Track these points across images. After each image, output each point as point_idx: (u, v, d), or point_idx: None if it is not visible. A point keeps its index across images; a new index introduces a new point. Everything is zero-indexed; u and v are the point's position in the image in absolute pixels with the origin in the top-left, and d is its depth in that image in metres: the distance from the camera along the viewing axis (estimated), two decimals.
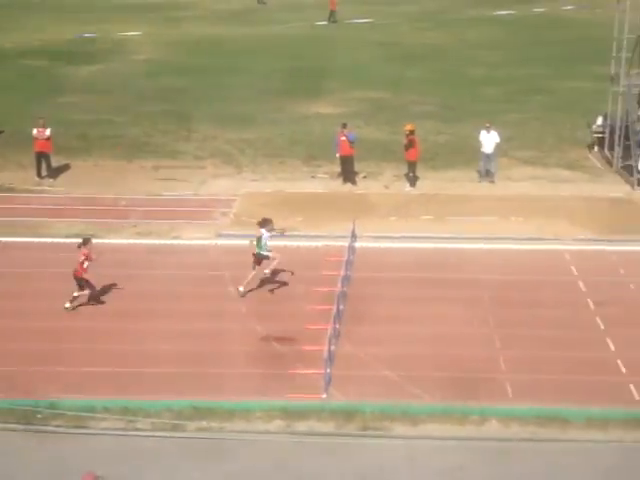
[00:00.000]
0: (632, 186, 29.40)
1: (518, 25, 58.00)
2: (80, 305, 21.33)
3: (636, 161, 29.34)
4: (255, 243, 22.04)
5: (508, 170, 31.11)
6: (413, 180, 29.75)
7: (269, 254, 22.01)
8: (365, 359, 19.09)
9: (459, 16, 61.30)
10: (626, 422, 16.84)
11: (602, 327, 20.49)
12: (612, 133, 31.71)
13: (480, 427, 16.86)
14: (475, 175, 30.52)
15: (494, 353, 19.41)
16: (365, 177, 30.65)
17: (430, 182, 30.07)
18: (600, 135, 33.15)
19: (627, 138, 30.63)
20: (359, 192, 29.39)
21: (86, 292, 21.27)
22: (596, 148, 33.23)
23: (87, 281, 21.17)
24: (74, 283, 21.13)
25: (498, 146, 30.30)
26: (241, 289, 22.00)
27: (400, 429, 16.88)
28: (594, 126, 33.51)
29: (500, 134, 30.57)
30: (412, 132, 29.46)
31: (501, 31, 56.02)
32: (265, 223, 22.17)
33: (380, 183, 30.21)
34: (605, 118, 32.87)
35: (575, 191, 29.13)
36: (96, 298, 21.52)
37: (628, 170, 30.25)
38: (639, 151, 29.46)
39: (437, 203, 28.23)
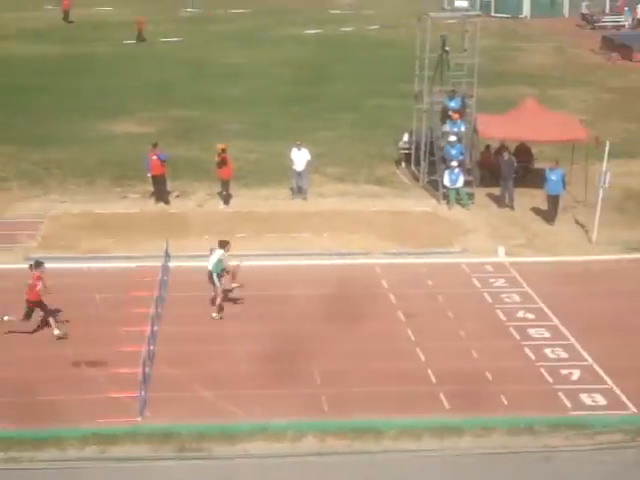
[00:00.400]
0: (438, 200, 30.33)
1: (326, 43, 59.04)
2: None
3: (441, 176, 30.29)
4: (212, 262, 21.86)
5: (319, 187, 31.55)
6: (227, 198, 29.72)
7: (218, 284, 21.84)
8: (181, 380, 18.87)
9: (270, 35, 61.79)
10: (437, 431, 17.29)
11: (413, 338, 21.02)
12: (417, 149, 32.65)
13: (297, 443, 16.96)
14: (288, 192, 30.79)
15: (311, 368, 19.56)
16: (178, 196, 30.39)
17: (243, 200, 30.12)
18: (406, 151, 34.06)
19: (432, 154, 31.58)
20: (172, 211, 29.11)
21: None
22: (403, 164, 34.13)
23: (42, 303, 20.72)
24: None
25: (309, 163, 30.67)
26: (214, 315, 21.84)
27: (218, 449, 16.77)
28: (400, 143, 34.41)
29: (311, 151, 30.94)
30: (224, 150, 29.46)
31: (310, 50, 56.88)
32: (223, 244, 22.12)
33: (193, 202, 30.02)
34: (411, 135, 33.81)
35: (384, 206, 29.82)
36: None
37: (434, 185, 31.20)
38: (443, 166, 30.44)
39: (251, 220, 28.29)
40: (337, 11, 73.86)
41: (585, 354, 20.21)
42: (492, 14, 71.85)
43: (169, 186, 30.26)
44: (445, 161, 30.46)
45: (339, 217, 28.63)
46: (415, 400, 18.28)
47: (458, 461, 16.60)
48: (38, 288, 20.62)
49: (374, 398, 18.30)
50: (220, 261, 22.01)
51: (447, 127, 31.61)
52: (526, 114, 31.17)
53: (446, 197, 30.06)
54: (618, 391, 18.64)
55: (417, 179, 32.49)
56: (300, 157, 30.40)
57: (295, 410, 17.81)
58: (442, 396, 18.45)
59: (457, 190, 29.89)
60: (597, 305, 22.58)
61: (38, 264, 21.06)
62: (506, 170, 29.79)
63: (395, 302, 22.91)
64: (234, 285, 22.31)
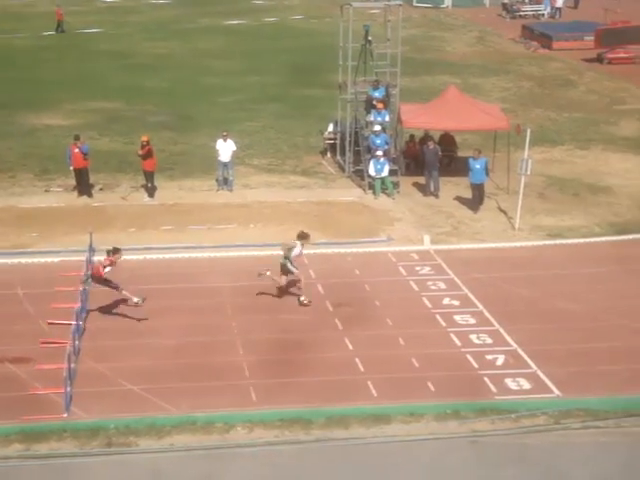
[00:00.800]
0: (364, 190, 30.48)
1: (250, 34, 58.91)
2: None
3: (366, 166, 30.44)
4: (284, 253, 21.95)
5: (245, 178, 31.46)
6: (151, 190, 29.47)
7: (294, 270, 21.93)
8: (108, 375, 18.69)
9: (191, 26, 61.47)
10: (365, 419, 17.40)
11: (340, 327, 21.11)
12: (343, 139, 32.79)
13: (225, 434, 16.93)
14: (213, 184, 30.63)
15: (238, 359, 19.54)
16: (102, 189, 30.05)
17: (169, 192, 29.90)
18: (332, 141, 34.20)
19: (357, 144, 31.75)
20: (96, 205, 28.77)
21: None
22: (329, 154, 34.25)
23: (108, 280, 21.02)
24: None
25: (235, 154, 30.57)
26: (302, 299, 22.12)
27: (146, 443, 16.65)
28: (326, 133, 34.53)
29: (236, 142, 30.85)
30: (148, 142, 29.20)
31: (233, 40, 56.67)
32: (303, 236, 22.27)
33: (117, 195, 29.70)
34: (336, 125, 33.94)
35: (311, 197, 29.86)
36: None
37: (359, 174, 31.36)
38: (368, 156, 30.59)
39: (176, 213, 28.12)
40: (260, 1, 73.70)
41: (509, 339, 20.50)
42: (414, 4, 72.37)
43: (92, 179, 29.90)
44: (370, 151, 30.63)
45: (266, 208, 28.60)
46: (343, 389, 18.36)
47: (386, 448, 16.72)
48: (105, 269, 20.88)
49: (303, 388, 18.34)
50: (290, 250, 22.07)
51: (372, 117, 31.79)
52: (449, 103, 31.47)
53: (372, 187, 30.22)
54: (542, 375, 18.95)
55: (343, 169, 32.61)
56: (226, 148, 30.28)
57: (223, 402, 17.76)
58: (370, 384, 18.56)
59: (382, 179, 30.06)
60: (520, 291, 22.93)
61: (116, 250, 21.28)
62: (431, 159, 30.08)
63: (323, 292, 22.96)
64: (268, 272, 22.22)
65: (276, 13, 66.72)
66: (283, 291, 22.45)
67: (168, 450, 16.48)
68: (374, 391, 18.38)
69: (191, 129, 36.80)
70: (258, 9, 69.15)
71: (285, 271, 22.15)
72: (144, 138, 29.39)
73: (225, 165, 30.36)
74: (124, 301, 21.52)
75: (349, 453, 16.63)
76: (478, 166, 28.42)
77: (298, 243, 22.28)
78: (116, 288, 21.04)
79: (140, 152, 29.24)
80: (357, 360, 19.55)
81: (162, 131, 35.49)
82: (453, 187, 30.50)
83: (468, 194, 29.15)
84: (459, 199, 29.59)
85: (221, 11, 66.28)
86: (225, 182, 30.45)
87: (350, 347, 20.17)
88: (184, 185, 30.65)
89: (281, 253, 22.21)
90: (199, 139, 34.99)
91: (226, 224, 27.18)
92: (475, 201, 28.73)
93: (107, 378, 18.57)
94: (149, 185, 29.49)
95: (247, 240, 26.03)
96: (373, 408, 17.72)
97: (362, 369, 19.23)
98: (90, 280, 21.33)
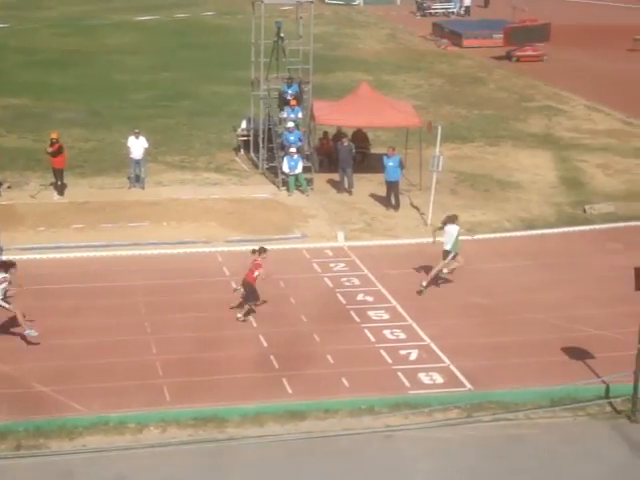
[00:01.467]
0: (277, 186, 30.44)
1: (161, 30, 58.45)
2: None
3: (280, 162, 30.41)
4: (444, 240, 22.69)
5: (158, 175, 31.16)
6: (61, 188, 28.97)
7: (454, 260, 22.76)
8: (16, 376, 18.31)
9: (101, 22, 60.67)
10: (280, 416, 17.38)
11: (255, 325, 21.01)
12: (256, 136, 32.70)
13: (139, 434, 16.73)
14: (125, 181, 30.26)
15: (151, 358, 19.33)
16: (10, 187, 29.41)
17: (79, 189, 29.45)
18: (245, 138, 34.09)
19: (270, 141, 31.69)
20: (4, 203, 28.15)
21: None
22: (242, 151, 34.13)
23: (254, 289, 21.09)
24: None
25: (147, 151, 30.25)
26: (423, 283, 22.66)
27: (57, 445, 16.36)
28: (239, 130, 34.40)
29: (148, 140, 30.53)
30: (57, 139, 28.70)
31: (144, 36, 56.13)
32: (454, 219, 22.88)
33: (26, 193, 29.12)
34: (249, 122, 33.83)
35: (224, 194, 29.69)
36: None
37: (273, 171, 31.32)
38: (282, 153, 30.56)
39: (88, 211, 27.69)
40: None
41: (423, 334, 20.69)
42: (326, 1, 72.70)
43: (0, 177, 29.28)
44: (284, 147, 30.62)
45: (179, 206, 28.36)
46: (258, 386, 18.30)
47: (301, 444, 16.73)
48: (256, 274, 20.93)
49: (217, 386, 18.23)
50: (457, 239, 22.53)
51: (285, 114, 31.78)
52: (361, 100, 31.61)
53: (285, 183, 30.19)
54: (454, 369, 19.16)
55: (256, 166, 32.53)
56: (137, 145, 29.93)
57: (136, 401, 17.54)
58: (285, 381, 18.53)
59: (296, 176, 30.06)
60: (433, 286, 23.14)
61: (262, 250, 21.36)
62: (344, 156, 30.18)
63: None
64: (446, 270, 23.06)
65: (188, 9, 66.26)
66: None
67: (80, 452, 16.21)
68: (289, 388, 18.35)
69: (102, 126, 36.32)
70: (169, 5, 68.59)
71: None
72: (53, 135, 28.92)
73: (137, 162, 30.01)
74: (38, 300, 21.10)
75: (264, 451, 16.59)
76: (392, 164, 28.59)
77: (456, 227, 22.85)
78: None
79: (49, 149, 28.74)
80: (272, 357, 19.51)
81: (72, 128, 34.96)
82: (367, 183, 30.66)
83: (382, 191, 29.33)
84: (373, 196, 29.76)
85: (132, 7, 65.57)
86: (137, 179, 30.10)
87: (265, 344, 20.12)
88: (95, 183, 30.22)
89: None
90: (110, 136, 34.55)
91: (139, 222, 26.86)
92: (389, 199, 28.87)
93: (16, 379, 18.19)
94: (59, 183, 28.98)
95: (160, 238, 25.78)
96: (288, 405, 17.69)
97: (277, 366, 19.19)
98: None
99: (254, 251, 21.50)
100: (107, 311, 21.23)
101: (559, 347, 19.99)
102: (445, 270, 23.17)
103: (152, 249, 25.08)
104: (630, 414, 17.78)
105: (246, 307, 21.23)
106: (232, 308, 21.42)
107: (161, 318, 21.09)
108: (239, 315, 21.18)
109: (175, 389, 18.06)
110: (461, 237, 23.09)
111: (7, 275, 19.79)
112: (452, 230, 22.85)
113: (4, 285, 19.66)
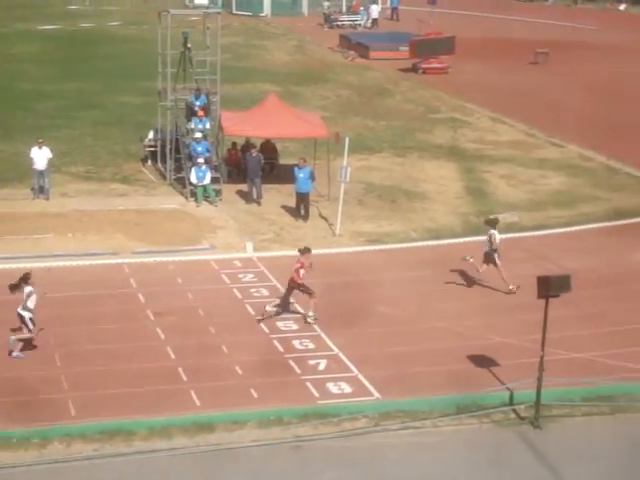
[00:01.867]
0: (185, 197, 30.26)
1: (66, 40, 57.59)
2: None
3: (188, 173, 30.25)
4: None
5: (63, 186, 30.69)
6: None
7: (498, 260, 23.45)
8: None
9: (4, 30, 59.54)
10: (188, 428, 17.25)
11: (162, 337, 20.84)
12: (163, 147, 32.45)
13: (42, 450, 16.42)
14: (29, 192, 29.72)
15: (55, 372, 18.99)
16: None
17: None
18: (152, 149, 33.78)
19: (178, 151, 31.49)
20: None
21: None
22: (149, 162, 33.83)
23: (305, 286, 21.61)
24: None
25: (51, 162, 29.76)
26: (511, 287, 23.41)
27: None
28: (146, 140, 34.08)
29: (52, 150, 30.04)
30: None
31: (49, 46, 55.29)
32: (494, 222, 23.96)
33: None
34: (156, 132, 33.56)
35: (131, 205, 29.40)
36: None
37: (181, 182, 31.12)
38: (190, 163, 30.40)
39: None
40: (76, 6, 72.17)
41: (331, 344, 20.77)
42: (234, 12, 72.65)
43: None
44: (191, 158, 30.45)
45: (84, 217, 27.98)
46: (166, 399, 18.13)
47: (210, 457, 16.64)
48: (302, 272, 21.47)
49: (124, 399, 18.01)
50: (493, 239, 23.56)
51: (192, 124, 31.63)
52: (269, 111, 31.63)
53: (193, 194, 30.03)
54: (362, 378, 19.28)
55: (164, 177, 32.29)
56: (41, 156, 29.43)
57: (40, 416, 17.19)
58: (193, 393, 18.41)
59: (204, 187, 29.92)
60: (341, 296, 23.24)
61: (306, 250, 21.89)
62: (253, 166, 30.17)
63: (144, 301, 22.64)
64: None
65: (93, 19, 65.50)
66: None
67: None
68: (197, 400, 18.23)
69: (4, 136, 35.62)
70: (74, 14, 67.74)
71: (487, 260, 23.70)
72: None
73: (41, 173, 29.50)
74: None
75: (173, 464, 16.44)
76: (302, 175, 28.65)
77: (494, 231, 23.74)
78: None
79: None
80: (180, 369, 19.35)
81: None
82: (275, 194, 30.68)
83: (291, 201, 29.39)
84: (282, 206, 29.79)
85: (35, 15, 64.48)
86: (41, 190, 29.59)
87: (172, 356, 19.96)
88: None
89: None
90: (13, 147, 33.90)
91: (43, 233, 26.40)
92: (299, 210, 28.92)
93: None
94: None
95: (65, 250, 25.37)
96: (196, 417, 17.58)
97: (185, 378, 19.05)
98: None
99: (300, 250, 22.11)
100: (8, 325, 20.70)
101: (465, 355, 20.28)
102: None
103: (57, 261, 24.67)
104: (533, 420, 18.15)
105: (311, 303, 21.66)
106: (260, 321, 21.69)
107: (65, 330, 20.75)
108: (310, 314, 21.64)
109: (80, 403, 17.78)
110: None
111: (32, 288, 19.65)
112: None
113: (33, 297, 19.54)
